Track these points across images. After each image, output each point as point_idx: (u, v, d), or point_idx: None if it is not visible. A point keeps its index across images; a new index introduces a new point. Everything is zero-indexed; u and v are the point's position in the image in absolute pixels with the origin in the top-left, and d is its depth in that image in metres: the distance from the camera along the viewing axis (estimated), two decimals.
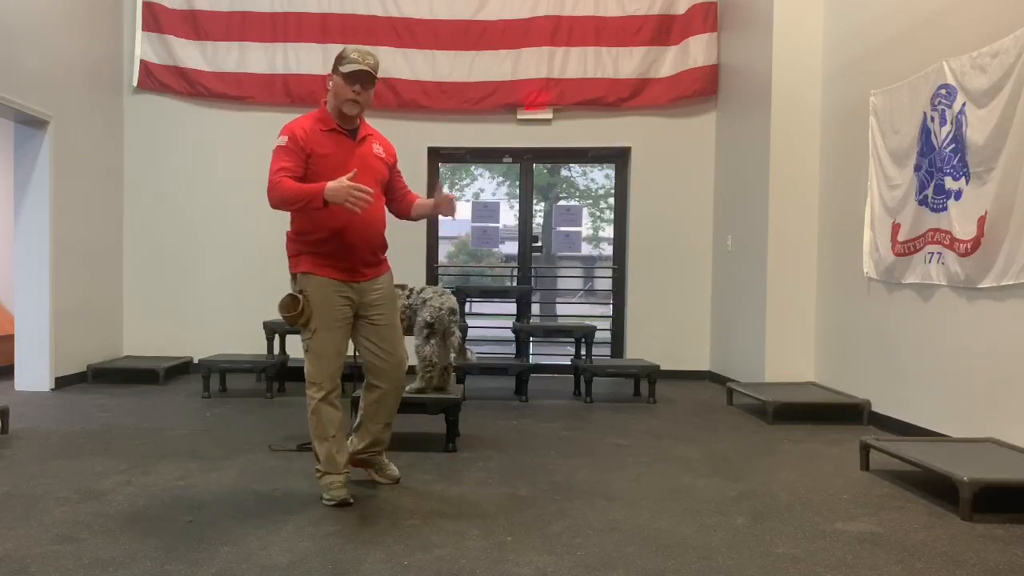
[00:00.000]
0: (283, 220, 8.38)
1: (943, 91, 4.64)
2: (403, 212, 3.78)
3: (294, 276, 3.53)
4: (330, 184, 3.21)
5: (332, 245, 3.42)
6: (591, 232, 17.03)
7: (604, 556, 2.86)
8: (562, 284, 11.04)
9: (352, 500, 3.43)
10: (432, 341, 4.50)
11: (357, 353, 3.66)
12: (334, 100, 3.47)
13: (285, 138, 3.41)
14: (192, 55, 7.65)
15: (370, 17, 7.66)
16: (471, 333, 7.02)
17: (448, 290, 4.84)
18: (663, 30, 7.65)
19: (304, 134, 3.41)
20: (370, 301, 3.52)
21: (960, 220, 4.47)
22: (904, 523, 3.30)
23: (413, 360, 4.77)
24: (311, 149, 3.40)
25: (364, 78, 3.41)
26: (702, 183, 7.74)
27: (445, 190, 3.65)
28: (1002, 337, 4.18)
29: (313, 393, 3.46)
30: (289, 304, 3.44)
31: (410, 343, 4.80)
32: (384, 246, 3.59)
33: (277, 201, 3.35)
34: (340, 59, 3.44)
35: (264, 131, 7.68)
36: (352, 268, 3.46)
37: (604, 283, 8.44)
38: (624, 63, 7.65)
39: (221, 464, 4.13)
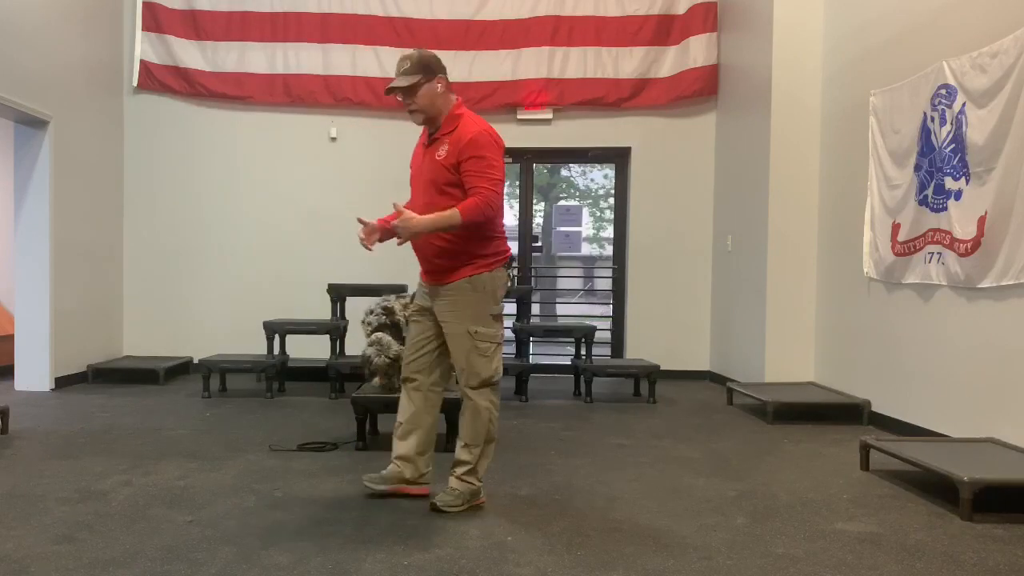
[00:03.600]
0: (281, 221, 8.39)
1: (943, 91, 4.64)
2: None
3: None
4: None
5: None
6: (591, 232, 17.04)
7: (604, 556, 2.86)
8: (562, 284, 11.05)
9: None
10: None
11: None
12: None
13: None
14: (192, 55, 7.65)
15: (370, 17, 7.66)
16: None
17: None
18: (663, 30, 7.64)
19: (417, 144, 3.57)
20: (437, 308, 3.45)
21: (960, 220, 4.47)
22: (904, 523, 3.30)
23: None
24: (412, 156, 3.59)
25: (397, 93, 3.42)
26: (702, 183, 7.73)
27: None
28: (1002, 337, 4.18)
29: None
30: None
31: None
32: (440, 254, 3.38)
33: None
34: None
35: (264, 131, 7.71)
36: (423, 271, 3.54)
37: (604, 283, 8.45)
38: (624, 63, 7.65)
39: (221, 464, 4.13)
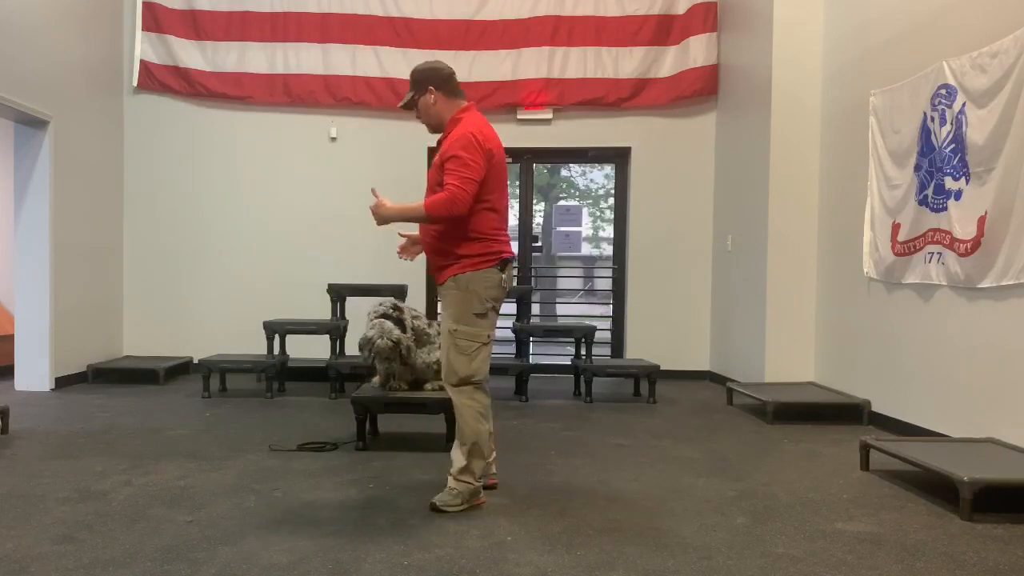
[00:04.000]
0: (281, 221, 8.40)
1: (943, 91, 4.64)
2: None
3: None
4: None
5: None
6: (591, 232, 17.05)
7: (604, 556, 2.86)
8: (562, 284, 11.05)
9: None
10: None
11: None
12: None
13: None
14: (192, 55, 7.65)
15: (370, 17, 7.65)
16: None
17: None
18: (663, 30, 7.64)
19: None
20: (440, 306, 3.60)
21: (960, 220, 4.47)
22: (904, 523, 3.30)
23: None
24: None
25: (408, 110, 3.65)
26: (702, 183, 7.73)
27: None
28: (1002, 337, 4.18)
29: None
30: None
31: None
32: (433, 252, 3.50)
33: None
34: None
35: (264, 131, 7.71)
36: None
37: (604, 283, 8.45)
38: (624, 63, 7.65)
39: (221, 464, 4.13)
